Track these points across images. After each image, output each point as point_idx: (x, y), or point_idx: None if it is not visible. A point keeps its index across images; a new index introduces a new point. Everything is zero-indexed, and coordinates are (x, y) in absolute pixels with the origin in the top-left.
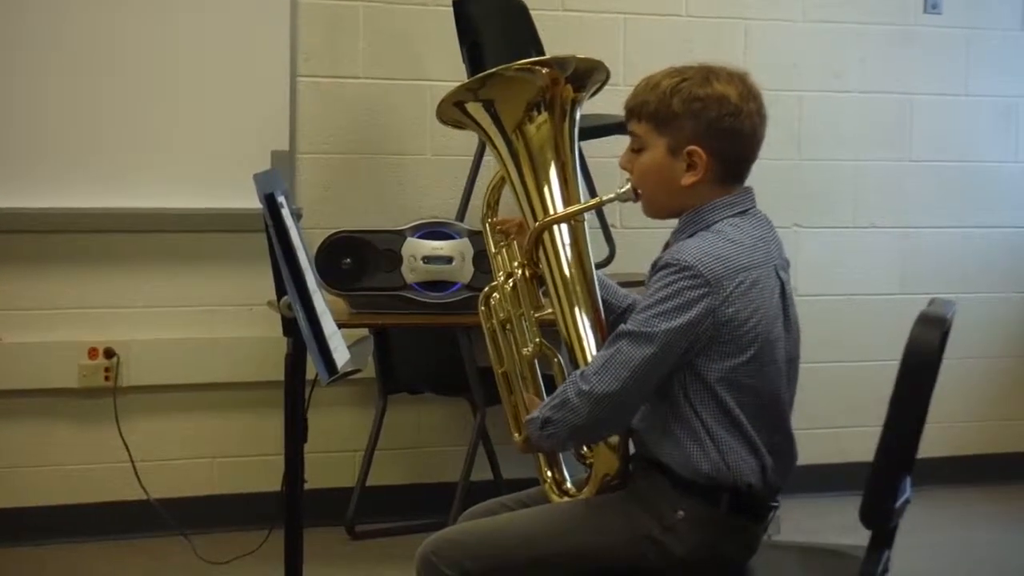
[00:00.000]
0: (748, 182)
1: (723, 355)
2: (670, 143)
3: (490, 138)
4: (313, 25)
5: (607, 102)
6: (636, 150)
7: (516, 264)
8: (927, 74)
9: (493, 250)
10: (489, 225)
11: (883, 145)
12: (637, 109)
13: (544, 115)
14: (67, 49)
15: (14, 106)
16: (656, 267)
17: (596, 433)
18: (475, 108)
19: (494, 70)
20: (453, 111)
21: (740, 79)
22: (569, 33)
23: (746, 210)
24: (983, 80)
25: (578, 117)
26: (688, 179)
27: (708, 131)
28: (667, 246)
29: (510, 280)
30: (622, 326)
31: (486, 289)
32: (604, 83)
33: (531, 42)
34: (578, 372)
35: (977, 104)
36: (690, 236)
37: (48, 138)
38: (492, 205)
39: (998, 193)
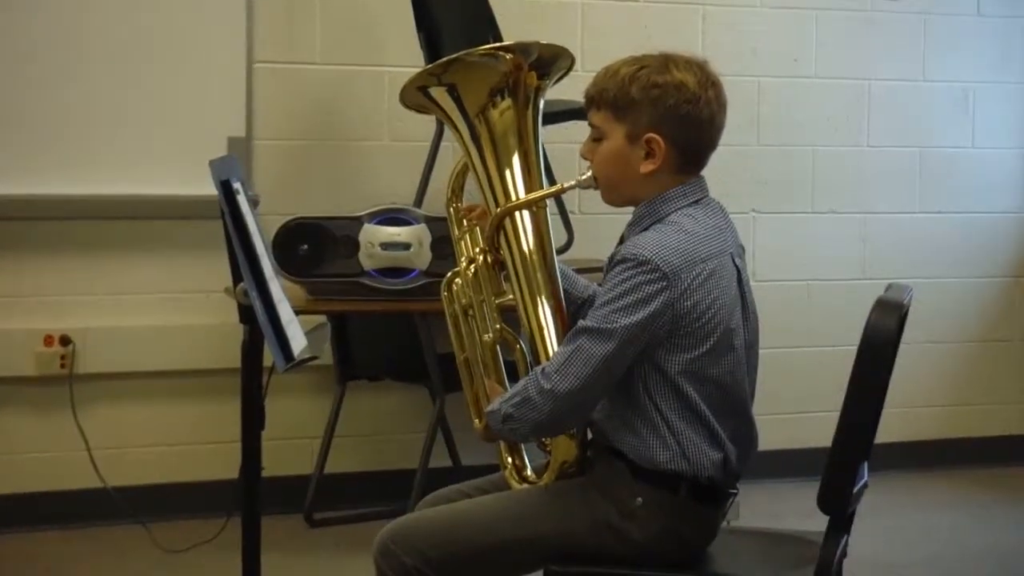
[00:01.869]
0: (706, 168)
1: (683, 347)
2: (629, 130)
3: (453, 123)
4: (270, 10)
5: (564, 87)
6: (596, 139)
7: (478, 250)
8: (885, 59)
9: (456, 235)
10: (453, 210)
11: (841, 130)
12: (596, 97)
13: (508, 101)
14: (18, 37)
15: None
16: (613, 261)
17: (558, 428)
18: (438, 93)
19: (457, 55)
20: (416, 95)
21: (699, 66)
22: (526, 19)
23: (699, 199)
24: (940, 66)
25: (541, 105)
26: (646, 167)
27: (666, 118)
28: (622, 239)
29: (472, 266)
30: (581, 322)
31: (448, 275)
32: (568, 70)
33: (488, 28)
34: (539, 369)
35: (934, 89)
36: (645, 229)
37: (1, 125)
38: (456, 191)
39: (956, 178)
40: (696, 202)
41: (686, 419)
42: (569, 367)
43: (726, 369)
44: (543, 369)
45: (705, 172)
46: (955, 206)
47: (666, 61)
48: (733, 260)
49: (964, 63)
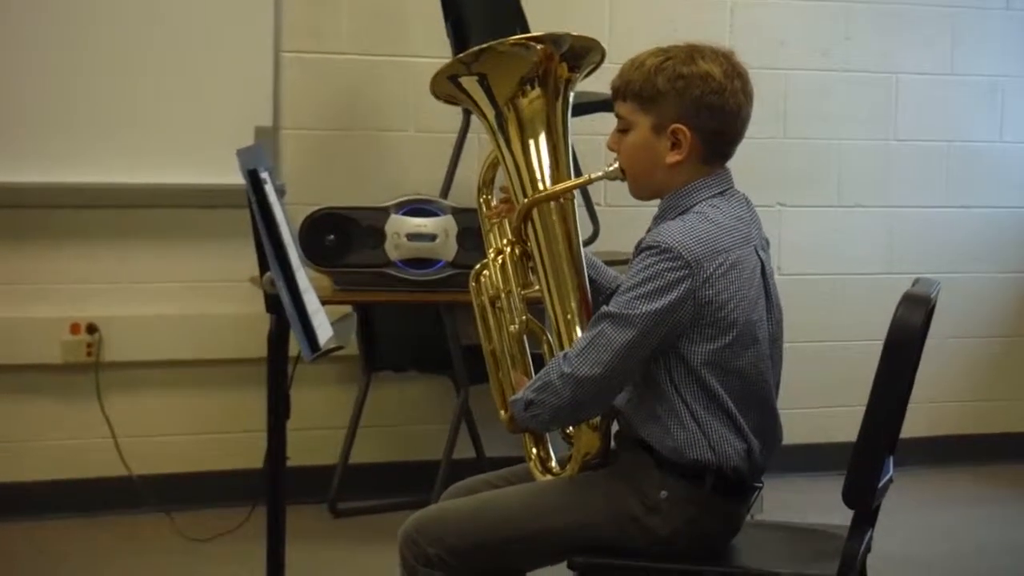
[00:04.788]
0: (732, 160)
1: (705, 338)
2: (655, 122)
3: (483, 113)
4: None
5: (592, 79)
6: (623, 130)
7: (505, 241)
8: (913, 53)
9: (486, 227)
10: (483, 202)
11: (868, 124)
12: (622, 89)
13: (537, 90)
14: (48, 23)
15: None
16: (638, 249)
17: (579, 415)
18: (469, 82)
19: (489, 44)
20: (447, 85)
21: (725, 57)
22: (554, 11)
23: (725, 190)
24: (968, 59)
25: (571, 98)
26: (672, 158)
27: (692, 109)
28: (649, 230)
29: (500, 257)
30: (604, 308)
31: (477, 266)
32: (599, 64)
33: (515, 19)
34: (561, 354)
35: (962, 83)
36: (671, 219)
37: (29, 112)
38: (487, 183)
39: (983, 173)
40: (721, 193)
41: (710, 410)
42: (590, 352)
43: (749, 362)
44: (565, 354)
45: (731, 164)
46: (982, 201)
47: (692, 52)
48: (757, 252)
49: (992, 57)
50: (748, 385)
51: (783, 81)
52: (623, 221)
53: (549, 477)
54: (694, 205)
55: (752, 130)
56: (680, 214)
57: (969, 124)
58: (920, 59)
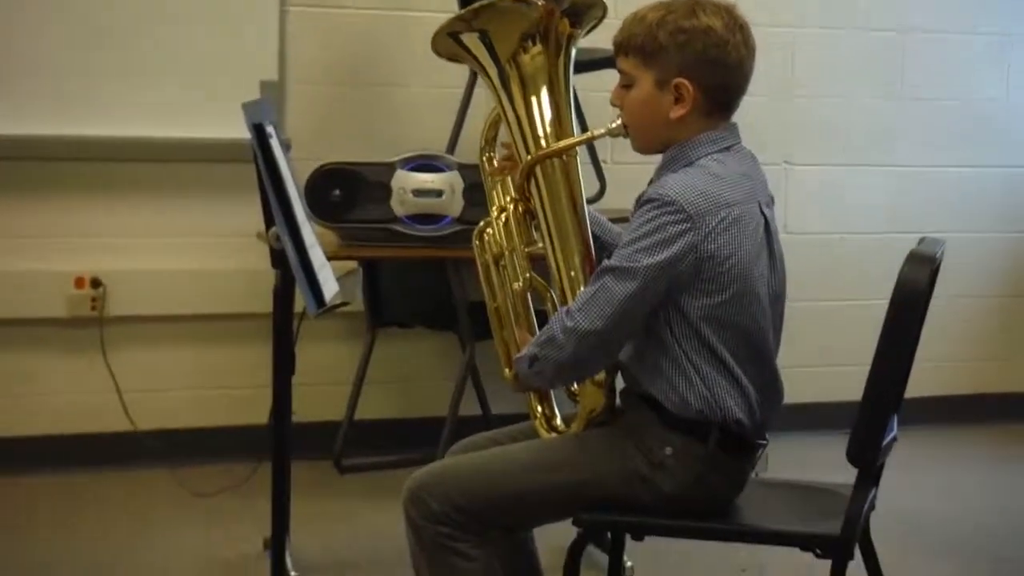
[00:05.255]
0: (739, 118)
1: (705, 292)
2: (657, 76)
3: (485, 70)
4: None
5: (597, 35)
6: (625, 86)
7: (509, 199)
8: (921, 10)
9: (489, 185)
10: (486, 160)
11: (876, 82)
12: (624, 44)
13: (539, 46)
14: None
15: None
16: (640, 202)
17: (582, 370)
18: (470, 39)
19: (489, 0)
20: (448, 42)
21: (726, 10)
22: None
23: (730, 146)
24: (977, 16)
25: (573, 54)
26: (676, 112)
27: (694, 63)
28: (652, 182)
29: (503, 215)
30: (606, 261)
31: (480, 224)
32: (601, 20)
33: None
34: (564, 309)
35: (971, 41)
36: (673, 172)
37: (35, 65)
38: (489, 141)
39: (990, 131)
40: (726, 149)
41: (711, 363)
42: (592, 306)
43: (750, 318)
44: (567, 309)
45: (738, 122)
46: (989, 159)
47: (693, 6)
48: (761, 209)
49: (1001, 14)
50: (748, 341)
51: (790, 38)
52: (630, 178)
53: (554, 435)
54: (698, 159)
55: (758, 88)
56: (683, 167)
57: (977, 82)
58: (928, 16)
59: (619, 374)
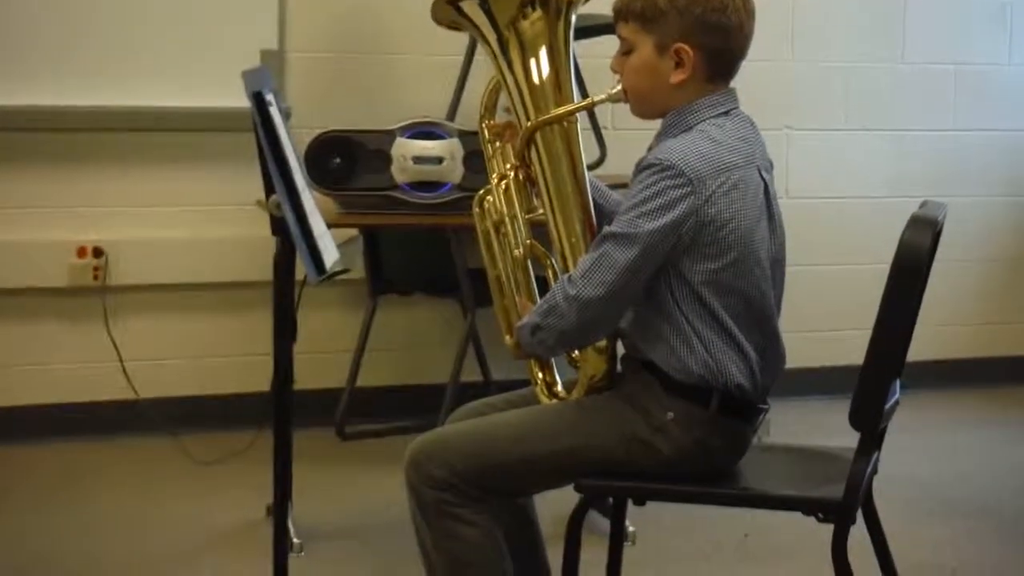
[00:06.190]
0: (739, 83)
1: (705, 257)
2: (657, 41)
3: (484, 37)
4: None
5: (596, 2)
6: (626, 52)
7: (509, 166)
8: None
9: (489, 152)
10: (485, 127)
11: (876, 46)
12: (624, 10)
13: (538, 12)
14: None
15: None
16: (639, 167)
17: (585, 338)
18: (469, 6)
19: None
20: (447, 10)
21: None
22: None
23: (729, 110)
24: None
25: (573, 20)
26: (676, 77)
27: (694, 27)
28: (651, 148)
29: (503, 182)
30: (607, 228)
31: (480, 191)
32: None
33: None
34: (565, 276)
35: (971, 4)
36: (672, 137)
37: (35, 34)
38: (489, 108)
39: (991, 95)
40: (726, 113)
41: (712, 328)
42: (594, 273)
43: (750, 282)
44: (569, 276)
45: (739, 87)
46: (989, 123)
47: None
48: (760, 173)
49: None
50: (749, 305)
51: (790, 3)
52: (631, 144)
53: (555, 401)
54: (697, 123)
55: (759, 53)
56: (683, 132)
57: (977, 46)
58: None
59: (620, 340)
